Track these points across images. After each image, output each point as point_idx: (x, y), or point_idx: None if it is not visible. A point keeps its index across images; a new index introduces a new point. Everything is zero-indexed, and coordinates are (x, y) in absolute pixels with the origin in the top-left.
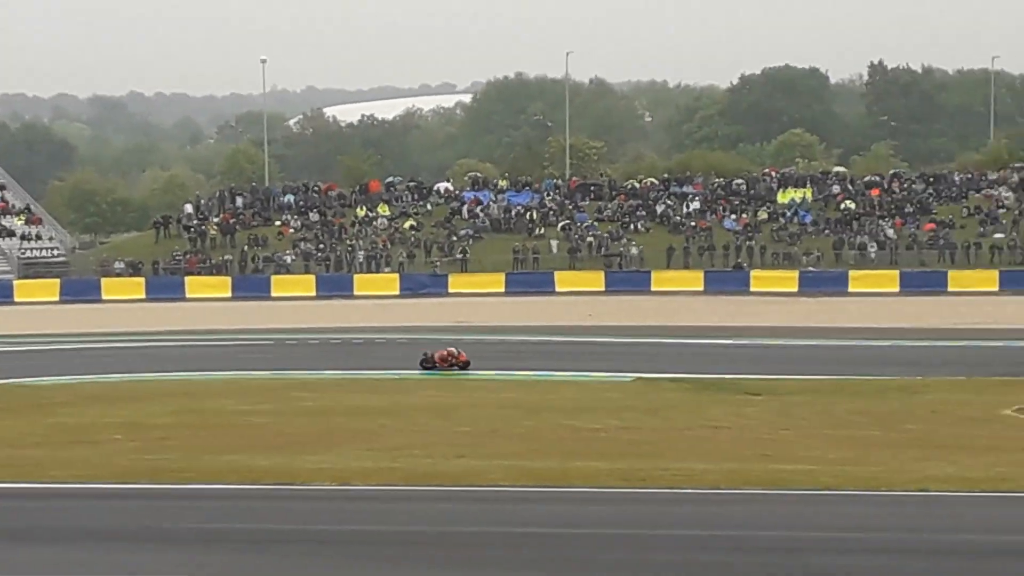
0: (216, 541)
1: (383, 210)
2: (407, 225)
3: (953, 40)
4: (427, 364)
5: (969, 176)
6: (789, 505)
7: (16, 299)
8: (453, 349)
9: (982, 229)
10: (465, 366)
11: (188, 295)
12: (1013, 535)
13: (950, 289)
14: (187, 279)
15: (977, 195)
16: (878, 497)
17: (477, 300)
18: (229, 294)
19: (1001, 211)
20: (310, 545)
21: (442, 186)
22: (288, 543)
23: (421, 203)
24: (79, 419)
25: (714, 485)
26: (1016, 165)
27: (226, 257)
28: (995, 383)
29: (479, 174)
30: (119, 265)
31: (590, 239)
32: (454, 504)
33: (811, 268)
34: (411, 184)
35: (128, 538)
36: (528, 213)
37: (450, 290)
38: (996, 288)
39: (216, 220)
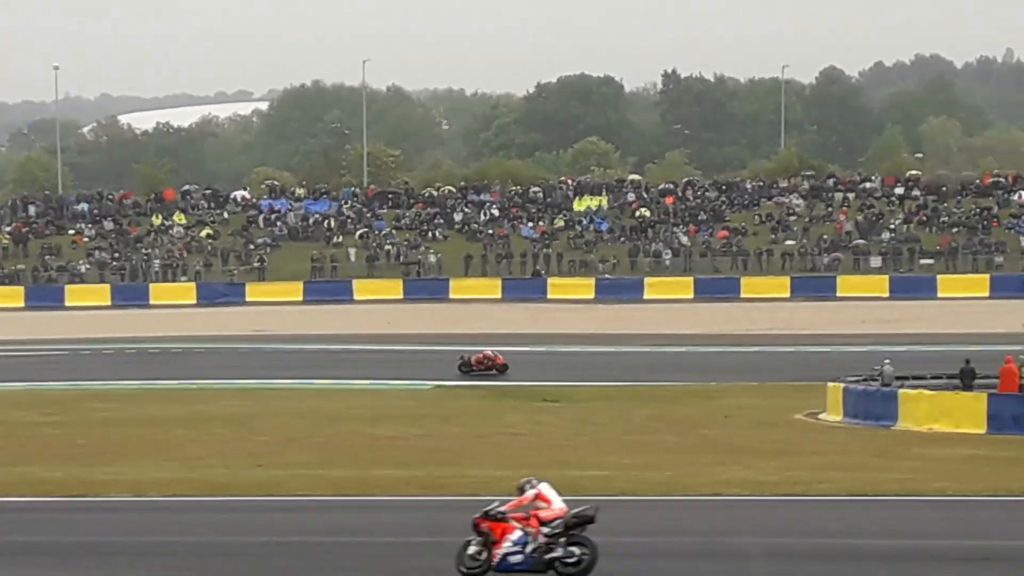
0: (8, 554)
1: (179, 218)
2: (204, 233)
3: (744, 50)
4: (464, 368)
5: (760, 184)
6: None
7: None
8: (489, 352)
9: (773, 236)
10: (503, 369)
11: None
12: (806, 537)
13: (743, 295)
14: None
15: (768, 202)
16: (673, 502)
17: (275, 309)
18: (22, 304)
19: (792, 218)
20: (104, 557)
21: (239, 194)
22: (81, 555)
23: (218, 211)
24: None
25: (511, 491)
26: (806, 173)
27: (18, 266)
28: (787, 388)
29: (276, 182)
30: None
31: (388, 247)
32: (251, 514)
33: (607, 275)
34: (207, 192)
35: None
36: (326, 221)
37: (248, 299)
38: (787, 294)
39: (8, 229)
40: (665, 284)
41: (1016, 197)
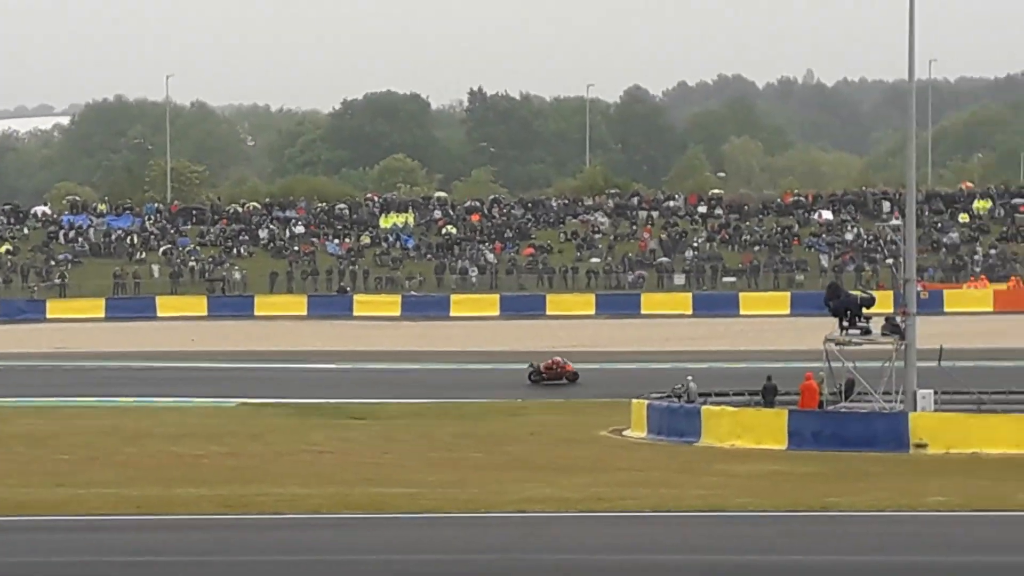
0: None
1: None
2: (3, 250)
3: (550, 68)
4: (535, 376)
5: (566, 202)
6: (390, 528)
7: None
8: (559, 359)
9: (579, 254)
10: (573, 378)
11: None
12: (609, 554)
13: (548, 312)
14: None
15: (574, 220)
16: (478, 519)
17: (76, 326)
18: None
19: (597, 236)
20: None
21: (39, 210)
22: None
23: (17, 227)
24: None
25: (315, 510)
26: (611, 191)
27: None
28: (592, 405)
29: (78, 198)
30: None
31: (192, 263)
32: (51, 534)
33: (413, 292)
34: (7, 207)
35: None
36: (129, 237)
37: (48, 316)
38: (593, 311)
39: None
40: (471, 301)
41: (816, 216)
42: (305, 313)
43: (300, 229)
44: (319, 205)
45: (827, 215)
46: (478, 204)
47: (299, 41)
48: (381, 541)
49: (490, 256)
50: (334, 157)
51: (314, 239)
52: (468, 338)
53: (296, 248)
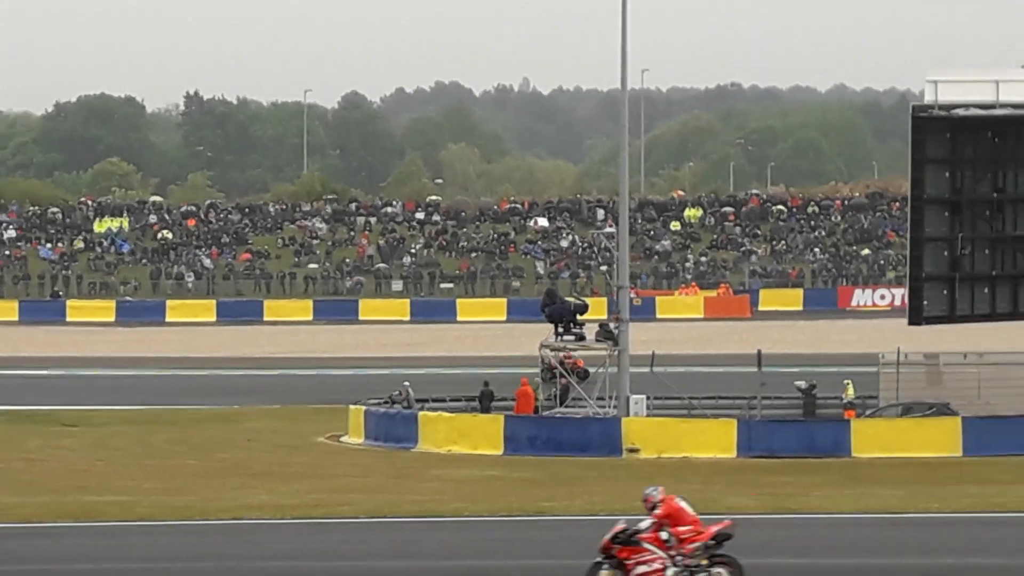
0: None
1: None
2: None
3: (267, 73)
4: (546, 375)
5: (284, 207)
6: (103, 537)
7: None
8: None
9: (297, 259)
10: (584, 376)
11: None
12: (323, 560)
13: (266, 318)
14: None
15: (292, 226)
16: (193, 526)
17: None
18: None
19: (315, 242)
20: None
21: None
22: None
23: None
24: None
25: (27, 519)
26: (328, 197)
27: None
28: (309, 411)
29: None
30: None
31: None
32: None
33: (129, 298)
34: None
35: None
36: None
37: None
38: (311, 317)
39: None
40: (187, 307)
41: (532, 223)
42: (16, 318)
43: (12, 233)
44: (31, 208)
45: (543, 222)
46: (194, 209)
47: (11, 40)
48: (93, 549)
49: (207, 261)
50: (47, 160)
51: (27, 243)
52: (184, 344)
53: (7, 252)
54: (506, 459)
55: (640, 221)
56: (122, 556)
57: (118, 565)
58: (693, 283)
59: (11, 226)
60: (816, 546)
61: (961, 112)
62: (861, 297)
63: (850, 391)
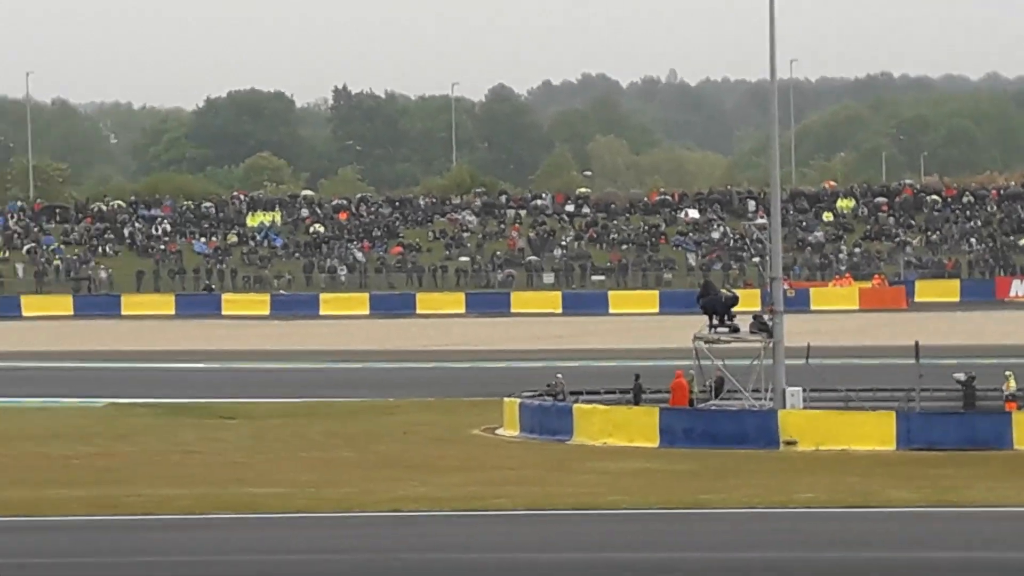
0: None
1: None
2: None
3: (415, 67)
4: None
5: (433, 200)
6: (262, 529)
7: None
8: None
9: (448, 252)
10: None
11: None
12: (482, 553)
13: (418, 311)
14: None
15: (442, 219)
16: (350, 519)
17: None
18: None
19: (466, 235)
20: None
21: None
22: None
23: None
24: None
25: (186, 510)
26: (478, 190)
27: None
28: (464, 404)
29: None
30: None
31: (57, 262)
32: None
33: (282, 291)
34: None
35: None
36: None
37: None
38: (463, 310)
39: None
40: (341, 300)
41: (682, 215)
42: (173, 312)
43: (166, 227)
44: (185, 203)
45: (693, 214)
46: (346, 202)
47: (161, 38)
48: (252, 542)
49: (359, 255)
50: (199, 155)
51: (181, 237)
52: (337, 337)
53: (162, 247)
54: (662, 452)
55: (792, 212)
56: (280, 548)
57: (277, 557)
58: (847, 274)
59: (165, 221)
60: (980, 539)
61: None
62: (1020, 287)
63: (1011, 383)
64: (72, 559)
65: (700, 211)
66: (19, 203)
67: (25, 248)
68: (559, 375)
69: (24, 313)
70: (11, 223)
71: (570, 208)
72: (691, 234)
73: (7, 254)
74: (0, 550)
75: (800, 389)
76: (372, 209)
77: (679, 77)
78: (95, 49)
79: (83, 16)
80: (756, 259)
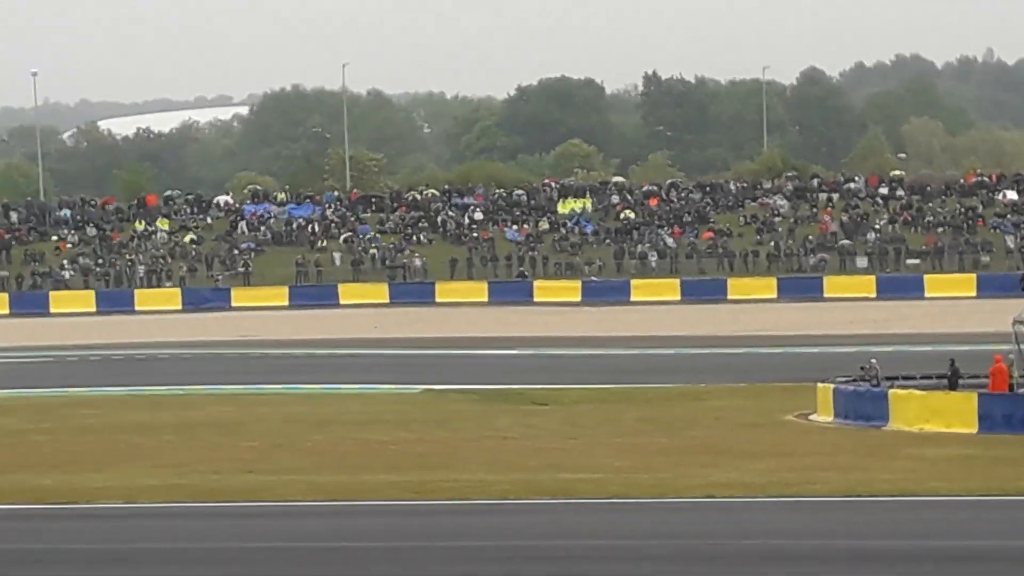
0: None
1: (162, 224)
2: (187, 239)
3: (724, 51)
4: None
5: (744, 185)
6: (577, 514)
7: None
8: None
9: (759, 237)
10: None
11: None
12: (800, 539)
13: (730, 297)
14: None
15: (753, 204)
16: (664, 504)
17: (261, 313)
18: (6, 311)
19: (777, 219)
20: (96, 564)
21: (222, 199)
22: (73, 562)
23: (201, 216)
24: None
25: (502, 495)
26: (789, 174)
27: (1, 273)
28: (776, 389)
29: (259, 187)
30: None
31: (373, 251)
32: (242, 520)
33: (593, 278)
34: (190, 197)
35: None
36: (310, 226)
37: (233, 304)
38: (774, 295)
39: None
40: (651, 286)
41: (1000, 196)
42: (486, 299)
43: (479, 215)
44: (497, 191)
45: (1012, 195)
46: (656, 188)
47: (473, 28)
48: (569, 526)
49: (669, 241)
50: (510, 143)
51: (493, 225)
52: (648, 323)
53: (475, 234)
54: (980, 438)
55: None
56: (597, 533)
57: (594, 542)
58: None
59: (478, 209)
60: None
61: None
62: None
63: None
64: (391, 543)
65: (1019, 192)
66: (336, 193)
67: (342, 238)
68: (873, 360)
69: (341, 301)
70: (328, 213)
71: (884, 191)
72: (1010, 216)
73: (325, 243)
74: (322, 534)
75: None
76: (682, 194)
77: (996, 56)
78: (408, 40)
79: (396, 7)
80: None
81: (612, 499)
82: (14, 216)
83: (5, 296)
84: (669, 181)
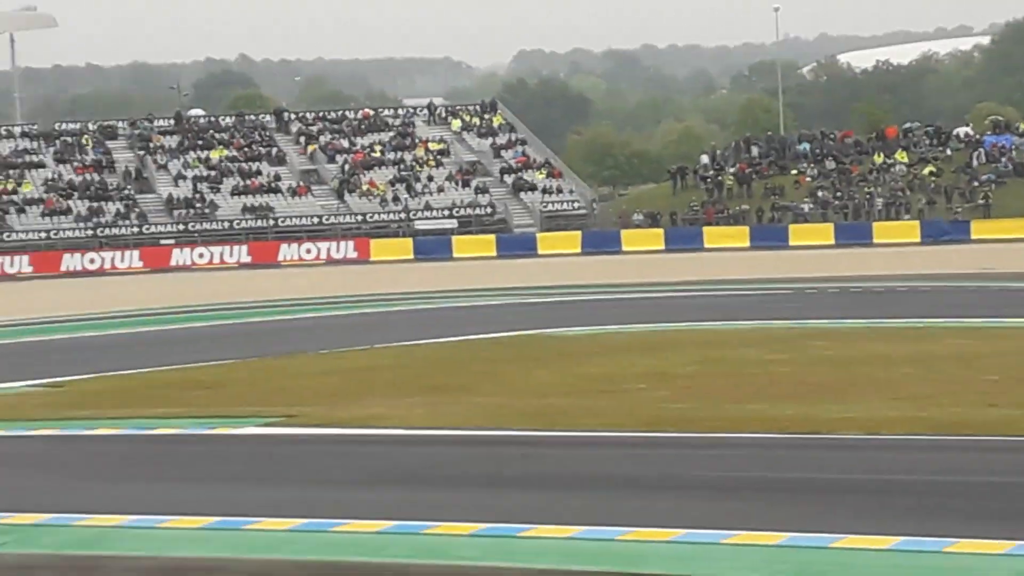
0: (738, 489)
1: (900, 157)
2: (926, 171)
3: None
4: None
5: None
6: None
7: (539, 251)
8: None
9: None
10: None
11: (706, 245)
12: None
13: None
14: (705, 229)
15: None
16: None
17: (1001, 247)
18: (747, 244)
19: None
20: (834, 494)
21: (961, 131)
22: (810, 491)
23: (940, 148)
24: (604, 369)
25: None
26: None
27: (743, 207)
28: None
29: (1000, 118)
30: (638, 217)
31: None
32: (985, 454)
33: None
34: (928, 129)
35: (649, 486)
36: None
37: (973, 236)
38: None
39: (732, 170)
40: None
41: None
42: None
43: None
44: None
45: None
46: None
47: None
48: None
49: None
50: None
51: None
52: None
53: None
54: None
55: None
56: None
57: None
58: None
59: None
60: None
61: None
62: None
63: None
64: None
65: None
66: None
67: None
68: None
69: None
70: None
71: None
72: None
73: None
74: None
75: None
76: None
77: None
78: None
79: None
80: None
81: None
82: (755, 150)
83: (746, 229)
84: None
